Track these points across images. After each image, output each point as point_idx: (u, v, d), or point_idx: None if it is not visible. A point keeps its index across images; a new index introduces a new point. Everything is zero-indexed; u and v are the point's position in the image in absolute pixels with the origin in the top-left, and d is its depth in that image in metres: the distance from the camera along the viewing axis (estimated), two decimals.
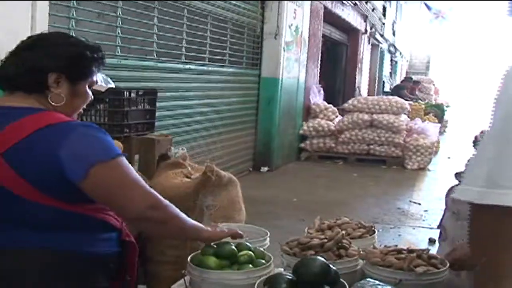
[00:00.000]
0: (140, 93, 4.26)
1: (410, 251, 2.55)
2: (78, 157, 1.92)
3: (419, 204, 8.25)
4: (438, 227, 3.18)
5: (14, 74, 2.05)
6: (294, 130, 11.81)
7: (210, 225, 2.74)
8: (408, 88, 19.24)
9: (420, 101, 17.88)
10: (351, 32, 17.67)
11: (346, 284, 2.24)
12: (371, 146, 11.86)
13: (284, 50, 10.67)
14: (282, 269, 2.51)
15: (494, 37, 40.70)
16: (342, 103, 14.23)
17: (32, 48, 2.09)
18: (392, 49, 27.04)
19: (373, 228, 3.00)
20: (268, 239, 2.82)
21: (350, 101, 12.62)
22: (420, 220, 7.17)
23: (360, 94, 17.94)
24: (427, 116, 14.73)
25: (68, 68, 2.07)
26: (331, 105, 12.80)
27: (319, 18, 12.84)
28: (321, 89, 13.39)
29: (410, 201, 8.44)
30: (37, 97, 2.06)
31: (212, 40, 8.54)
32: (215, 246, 2.46)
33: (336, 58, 17.71)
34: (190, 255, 2.47)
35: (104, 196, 1.99)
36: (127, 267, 2.26)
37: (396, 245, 2.69)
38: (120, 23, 6.19)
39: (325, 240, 2.56)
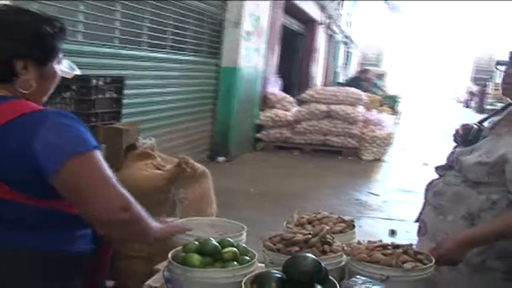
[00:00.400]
0: (108, 80, 4.14)
1: (396, 246, 2.53)
2: (52, 147, 1.80)
3: (377, 195, 8.34)
4: (416, 221, 3.17)
5: None
6: (251, 120, 11.79)
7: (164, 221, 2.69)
8: (364, 79, 19.38)
9: (377, 92, 18.04)
10: (308, 22, 17.68)
11: (336, 282, 2.21)
12: (328, 137, 11.91)
13: (244, 40, 10.60)
14: (263, 265, 2.47)
15: (444, 31, 41.37)
16: (297, 94, 14.26)
17: None
18: (347, 40, 27.20)
19: (353, 223, 2.98)
20: (244, 234, 2.78)
21: (307, 92, 12.65)
22: (379, 211, 7.24)
23: (315, 85, 18.02)
24: (383, 108, 14.88)
25: (33, 50, 1.94)
26: (288, 95, 12.80)
27: (279, 8, 12.81)
28: (279, 79, 13.38)
29: (368, 192, 8.53)
30: (5, 85, 1.93)
31: (174, 28, 8.43)
32: (197, 242, 2.41)
33: (293, 48, 17.69)
34: (171, 252, 2.41)
35: (76, 191, 1.84)
36: (101, 265, 2.19)
37: (381, 240, 2.68)
38: (83, 8, 6.03)
39: (309, 236, 2.53)
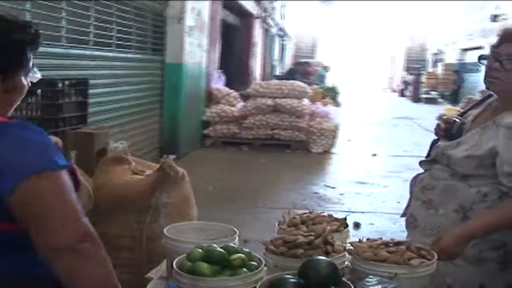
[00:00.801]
0: (73, 83, 3.96)
1: (397, 243, 2.51)
2: (9, 164, 1.61)
3: (334, 188, 8.36)
4: (402, 216, 3.17)
5: None
6: (198, 117, 11.66)
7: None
8: (302, 72, 19.52)
9: (321, 84, 18.21)
10: (244, 16, 17.64)
11: (350, 283, 2.17)
12: (275, 131, 11.89)
13: (187, 35, 10.46)
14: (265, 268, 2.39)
15: (377, 21, 42.14)
16: (238, 88, 14.22)
17: None
18: (281, 33, 27.34)
19: (346, 221, 2.94)
20: (237, 237, 2.69)
21: (252, 86, 12.61)
22: (339, 204, 7.26)
23: (254, 79, 18.02)
24: (326, 100, 15.00)
25: None
26: (233, 90, 12.74)
27: (218, 1, 12.71)
28: (222, 74, 13.30)
29: (324, 185, 8.53)
30: None
31: (118, 25, 8.21)
32: (200, 250, 2.31)
33: (231, 42, 17.63)
34: (175, 261, 2.30)
35: (32, 215, 1.63)
36: None
37: (381, 238, 2.65)
38: (28, 6, 5.78)
39: (312, 237, 2.47)
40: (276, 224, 2.95)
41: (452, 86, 29.36)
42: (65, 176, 1.68)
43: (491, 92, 2.79)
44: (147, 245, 3.19)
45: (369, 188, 8.45)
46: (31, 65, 1.86)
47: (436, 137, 3.05)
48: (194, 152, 10.92)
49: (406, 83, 37.56)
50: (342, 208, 6.97)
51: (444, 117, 3.05)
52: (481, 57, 2.72)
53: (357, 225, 6.26)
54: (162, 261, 2.86)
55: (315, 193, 7.95)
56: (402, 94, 37.36)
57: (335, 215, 3.06)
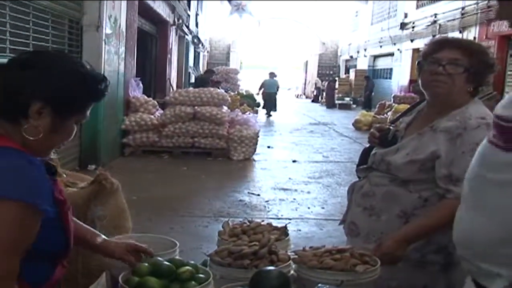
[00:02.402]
0: None
1: (340, 250, 2.55)
2: None
3: (258, 195, 8.40)
4: (341, 223, 3.21)
5: None
6: (117, 125, 11.44)
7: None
8: (212, 81, 19.49)
9: (230, 91, 18.24)
10: (160, 23, 17.49)
11: None
12: (196, 139, 11.83)
13: (105, 43, 10.26)
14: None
15: (291, 28, 42.70)
16: (155, 96, 14.06)
17: (22, 67, 1.75)
18: (196, 40, 27.30)
19: (286, 230, 2.95)
20: (177, 250, 2.65)
21: (170, 94, 12.50)
22: (265, 211, 7.29)
23: (171, 86, 17.88)
24: (243, 107, 15.06)
25: (56, 99, 1.75)
26: (151, 99, 12.59)
27: (134, 9, 12.55)
28: (140, 82, 13.12)
29: (248, 192, 8.55)
30: (5, 123, 1.73)
31: (34, 33, 7.95)
32: (146, 264, 2.26)
33: (146, 50, 17.42)
34: (121, 276, 2.24)
35: None
36: None
37: (324, 245, 2.68)
38: None
39: (257, 247, 2.46)
40: (215, 233, 2.92)
41: (364, 92, 30.15)
42: (20, 213, 1.62)
43: (421, 99, 2.90)
44: (82, 259, 3.10)
45: (292, 194, 8.53)
46: (87, 114, 1.89)
47: (367, 146, 3.13)
48: (114, 161, 10.72)
49: (318, 89, 38.28)
50: (269, 215, 7.00)
51: (377, 125, 3.12)
52: (419, 63, 2.79)
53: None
54: (99, 276, 2.78)
55: (240, 200, 7.96)
56: (315, 100, 38.02)
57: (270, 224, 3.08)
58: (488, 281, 1.79)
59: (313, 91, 39.53)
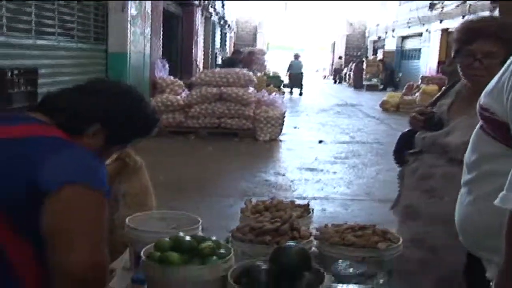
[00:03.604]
0: (21, 72, 3.83)
1: (362, 227, 2.54)
2: (60, 166, 1.66)
3: (284, 175, 8.39)
4: (392, 208, 3.17)
5: (59, 108, 1.86)
6: None
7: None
8: (242, 60, 19.43)
9: (257, 72, 18.18)
10: (186, 5, 17.48)
11: (321, 269, 2.18)
12: (222, 120, 11.83)
13: (130, 24, 10.30)
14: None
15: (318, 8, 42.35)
16: (181, 77, 14.08)
17: (92, 91, 1.94)
18: (222, 21, 27.25)
19: (308, 207, 2.95)
20: (200, 227, 2.67)
21: (197, 75, 12.51)
22: (291, 191, 7.29)
23: (197, 67, 17.90)
24: (270, 88, 15.02)
25: (114, 127, 1.90)
26: (177, 79, 12.62)
27: None
28: (166, 63, 13.16)
29: (274, 172, 8.54)
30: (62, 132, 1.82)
31: (60, 13, 8.00)
32: (168, 239, 2.28)
33: (172, 31, 17.44)
34: (143, 251, 2.26)
35: (57, 225, 1.61)
36: None
37: (346, 222, 2.67)
38: None
39: (278, 224, 2.47)
40: (237, 210, 2.94)
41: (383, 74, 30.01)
42: (105, 204, 1.73)
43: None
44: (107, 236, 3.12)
45: (318, 174, 8.52)
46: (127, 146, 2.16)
47: (406, 130, 3.10)
48: (141, 142, 10.74)
49: (337, 70, 38.14)
50: (294, 195, 6.99)
51: (417, 109, 3.06)
52: (456, 55, 2.73)
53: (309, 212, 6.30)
54: (123, 252, 2.81)
55: (266, 180, 7.97)
56: (339, 81, 37.81)
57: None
58: (487, 267, 1.80)
59: (338, 72, 39.23)
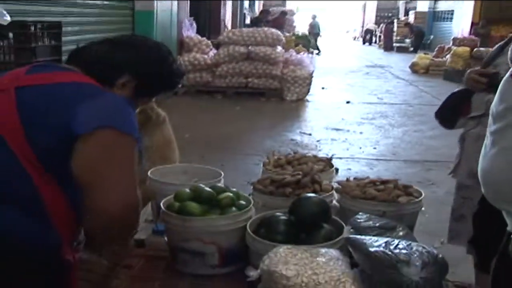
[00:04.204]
0: (45, 26, 3.84)
1: (385, 181, 2.53)
2: (94, 111, 1.70)
3: (310, 134, 8.40)
4: (451, 173, 3.13)
5: (90, 59, 1.89)
6: None
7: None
8: (273, 21, 19.26)
9: (285, 33, 18.02)
10: None
11: (340, 220, 2.18)
12: (249, 79, 11.78)
13: None
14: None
15: None
16: (209, 36, 14.00)
17: (123, 45, 1.96)
18: None
19: (331, 161, 2.95)
20: (222, 180, 2.67)
21: (224, 34, 12.44)
22: (316, 150, 7.26)
23: (225, 27, 17.78)
24: (298, 48, 14.89)
25: (142, 78, 1.92)
26: (204, 38, 12.57)
27: None
28: (193, 22, 13.09)
29: (300, 132, 8.55)
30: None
31: None
32: (188, 190, 2.29)
33: None
34: (163, 202, 2.29)
35: (90, 168, 1.67)
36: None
37: (368, 177, 2.66)
38: None
39: (299, 176, 2.46)
40: (261, 167, 2.93)
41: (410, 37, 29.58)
42: (135, 149, 1.77)
43: None
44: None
45: (344, 134, 8.49)
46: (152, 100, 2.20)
47: (456, 90, 3.03)
48: (168, 100, 10.77)
49: (370, 32, 37.61)
50: (320, 154, 6.97)
51: (475, 69, 2.96)
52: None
53: (335, 171, 6.29)
54: (146, 205, 2.84)
55: (291, 139, 7.98)
56: (369, 42, 37.37)
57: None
58: (508, 219, 1.78)
59: (362, 34, 38.74)
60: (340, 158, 6.84)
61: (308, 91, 11.94)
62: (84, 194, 1.68)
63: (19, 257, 1.67)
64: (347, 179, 2.60)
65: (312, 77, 11.94)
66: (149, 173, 2.71)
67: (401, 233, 2.08)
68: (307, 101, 11.76)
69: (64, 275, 1.80)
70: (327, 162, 2.92)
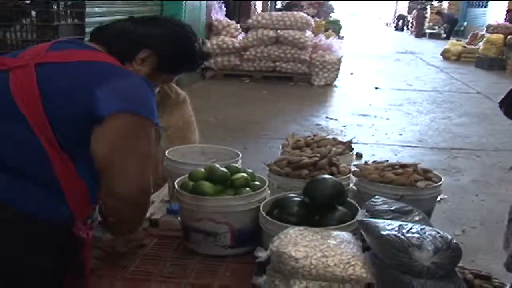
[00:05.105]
0: (68, 4, 3.84)
1: (404, 165, 2.48)
2: (115, 93, 1.71)
3: (336, 120, 8.36)
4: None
5: (114, 34, 1.90)
6: None
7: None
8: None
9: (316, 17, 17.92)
10: None
11: (355, 203, 2.14)
12: (277, 63, 11.74)
13: None
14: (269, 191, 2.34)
15: None
16: (238, 19, 13.96)
17: (147, 22, 1.95)
18: None
19: (350, 144, 2.91)
20: (240, 160, 2.65)
21: (253, 17, 12.39)
22: (342, 135, 7.21)
23: (256, 11, 17.70)
24: (328, 32, 14.78)
25: (163, 54, 1.91)
26: (233, 22, 12.53)
27: None
28: (223, 5, 13.06)
29: (326, 117, 8.52)
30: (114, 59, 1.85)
31: None
32: (202, 170, 2.27)
33: None
34: (177, 181, 2.27)
35: (109, 152, 1.71)
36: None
37: (387, 160, 2.62)
38: None
39: (317, 158, 2.42)
40: (279, 150, 2.91)
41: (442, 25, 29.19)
42: (153, 132, 1.81)
43: None
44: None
45: (371, 120, 8.44)
46: (174, 79, 2.14)
47: None
48: (195, 84, 10.82)
49: (402, 18, 37.17)
50: (345, 140, 6.93)
51: None
52: None
53: (359, 156, 6.24)
54: (163, 186, 2.83)
55: (317, 124, 7.96)
56: (401, 29, 36.98)
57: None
58: None
59: (395, 20, 38.33)
60: (365, 144, 6.80)
61: (336, 77, 11.87)
62: (101, 176, 1.73)
63: (32, 230, 1.70)
64: (366, 162, 2.56)
65: (340, 62, 11.85)
66: (166, 153, 2.69)
67: (416, 218, 2.03)
68: (335, 86, 11.70)
69: (78, 251, 1.83)
70: (347, 145, 2.88)
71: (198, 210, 2.11)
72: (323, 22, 16.10)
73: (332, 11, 23.22)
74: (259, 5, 19.45)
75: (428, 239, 1.68)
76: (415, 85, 12.35)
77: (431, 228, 1.79)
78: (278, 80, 11.63)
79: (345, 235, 1.81)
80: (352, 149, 2.86)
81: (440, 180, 2.40)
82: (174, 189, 2.36)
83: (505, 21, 21.60)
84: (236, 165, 2.42)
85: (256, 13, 16.54)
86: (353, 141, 3.10)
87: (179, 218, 2.26)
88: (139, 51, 1.87)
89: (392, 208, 2.06)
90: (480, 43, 17.34)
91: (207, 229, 2.11)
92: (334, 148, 2.61)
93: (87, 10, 6.74)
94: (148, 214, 2.37)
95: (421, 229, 1.74)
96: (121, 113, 1.69)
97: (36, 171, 1.70)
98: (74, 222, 1.77)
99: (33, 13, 3.65)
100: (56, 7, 3.70)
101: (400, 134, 7.64)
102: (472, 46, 17.99)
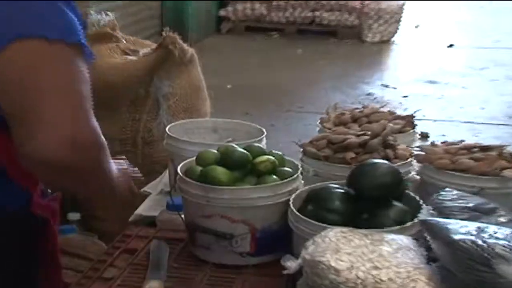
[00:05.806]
0: None
1: (485, 148, 2.45)
2: (10, 17, 1.55)
3: (394, 88, 8.38)
4: None
5: None
6: None
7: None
8: None
9: None
10: None
11: (417, 198, 2.13)
12: (316, 13, 11.76)
13: None
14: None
15: None
16: None
17: None
18: None
19: (413, 119, 2.89)
20: (265, 139, 2.65)
21: None
22: (401, 109, 7.18)
23: None
24: None
25: None
26: None
27: None
28: None
29: (381, 84, 8.54)
30: None
31: None
32: (215, 151, 2.26)
33: None
34: (180, 166, 2.27)
35: (16, 93, 1.54)
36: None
37: (461, 140, 2.59)
38: None
39: (367, 137, 2.41)
40: (317, 125, 2.89)
41: None
42: (79, 61, 1.58)
43: None
44: (143, 150, 3.18)
45: (441, 89, 8.41)
46: None
47: None
48: (208, 39, 10.88)
49: None
50: (405, 114, 6.93)
51: None
52: None
53: (424, 136, 6.22)
54: (162, 172, 2.85)
55: (369, 94, 7.99)
56: None
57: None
58: None
59: None
60: (433, 120, 6.81)
61: (397, 30, 11.87)
62: (13, 136, 1.57)
63: None
64: (433, 144, 2.54)
65: (402, 11, 11.82)
66: (167, 129, 2.69)
67: (502, 219, 2.01)
68: (395, 43, 11.71)
69: (41, 232, 1.85)
70: (408, 121, 2.87)
71: (208, 204, 2.11)
72: None
73: None
74: None
75: None
76: (505, 41, 12.25)
77: None
78: (317, 35, 11.68)
79: (403, 240, 1.79)
80: (414, 126, 2.85)
81: None
82: (176, 176, 2.36)
83: None
84: (260, 146, 2.40)
85: None
86: (417, 115, 3.08)
87: (182, 215, 2.27)
88: None
89: (468, 205, 2.03)
90: None
91: (220, 229, 2.11)
92: (390, 125, 2.59)
93: None
94: (140, 211, 2.38)
95: (509, 234, 1.72)
96: (23, 41, 1.52)
97: None
98: (29, 200, 1.76)
99: None
100: None
101: (482, 108, 7.62)
102: None
